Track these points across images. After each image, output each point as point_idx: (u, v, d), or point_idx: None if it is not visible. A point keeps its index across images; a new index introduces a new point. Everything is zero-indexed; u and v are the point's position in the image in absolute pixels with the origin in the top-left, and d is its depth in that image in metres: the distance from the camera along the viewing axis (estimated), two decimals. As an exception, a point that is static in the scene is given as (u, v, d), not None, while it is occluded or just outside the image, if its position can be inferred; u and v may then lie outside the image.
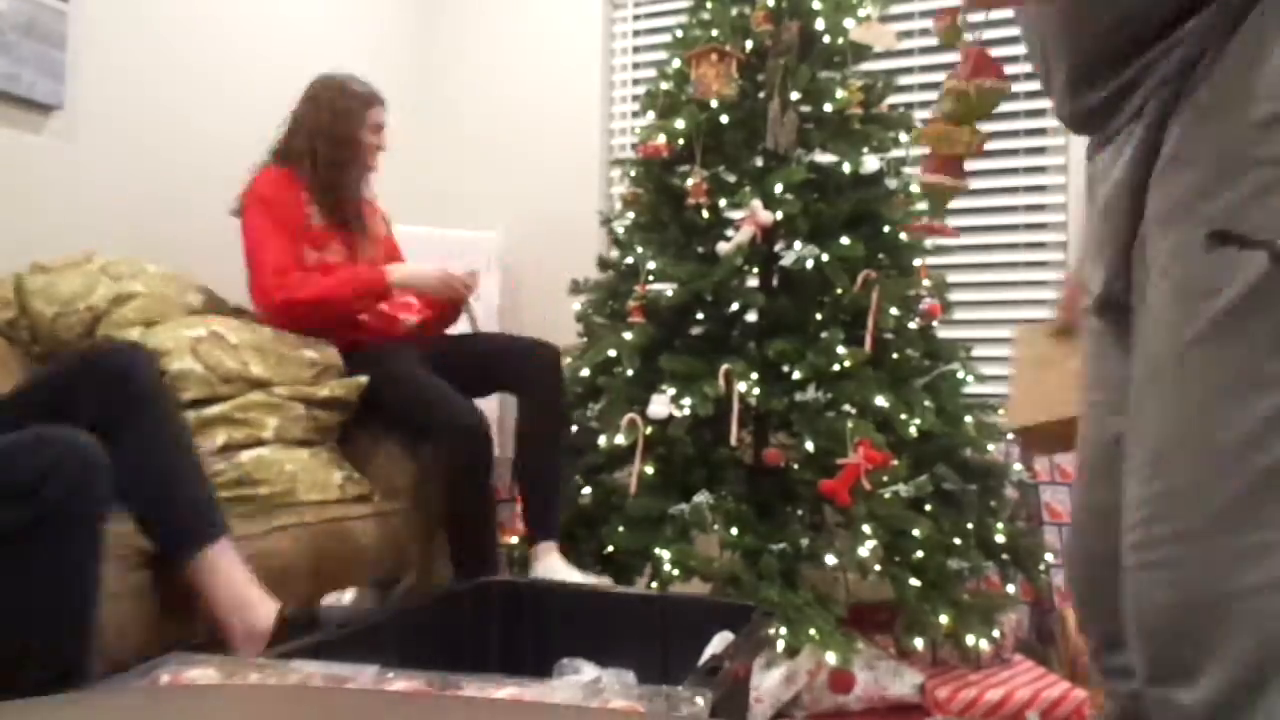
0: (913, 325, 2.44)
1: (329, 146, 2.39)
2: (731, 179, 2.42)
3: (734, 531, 2.20)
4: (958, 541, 2.27)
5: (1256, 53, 0.89)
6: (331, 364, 2.27)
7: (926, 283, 2.46)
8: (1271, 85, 0.88)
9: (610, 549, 2.31)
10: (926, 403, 2.30)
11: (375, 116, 2.49)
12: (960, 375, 2.46)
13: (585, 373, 2.48)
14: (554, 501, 2.23)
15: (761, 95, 2.46)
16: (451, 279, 2.43)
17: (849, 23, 2.46)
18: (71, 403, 1.49)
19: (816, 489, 2.19)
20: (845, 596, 2.38)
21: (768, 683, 2.09)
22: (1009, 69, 1.24)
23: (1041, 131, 2.91)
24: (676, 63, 2.54)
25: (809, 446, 2.24)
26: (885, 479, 2.18)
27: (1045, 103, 2.45)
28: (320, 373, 2.23)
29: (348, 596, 2.37)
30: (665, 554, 2.17)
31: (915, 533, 2.18)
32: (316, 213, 2.37)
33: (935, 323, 2.49)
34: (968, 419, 2.37)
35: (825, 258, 2.31)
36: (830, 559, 2.20)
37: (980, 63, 1.13)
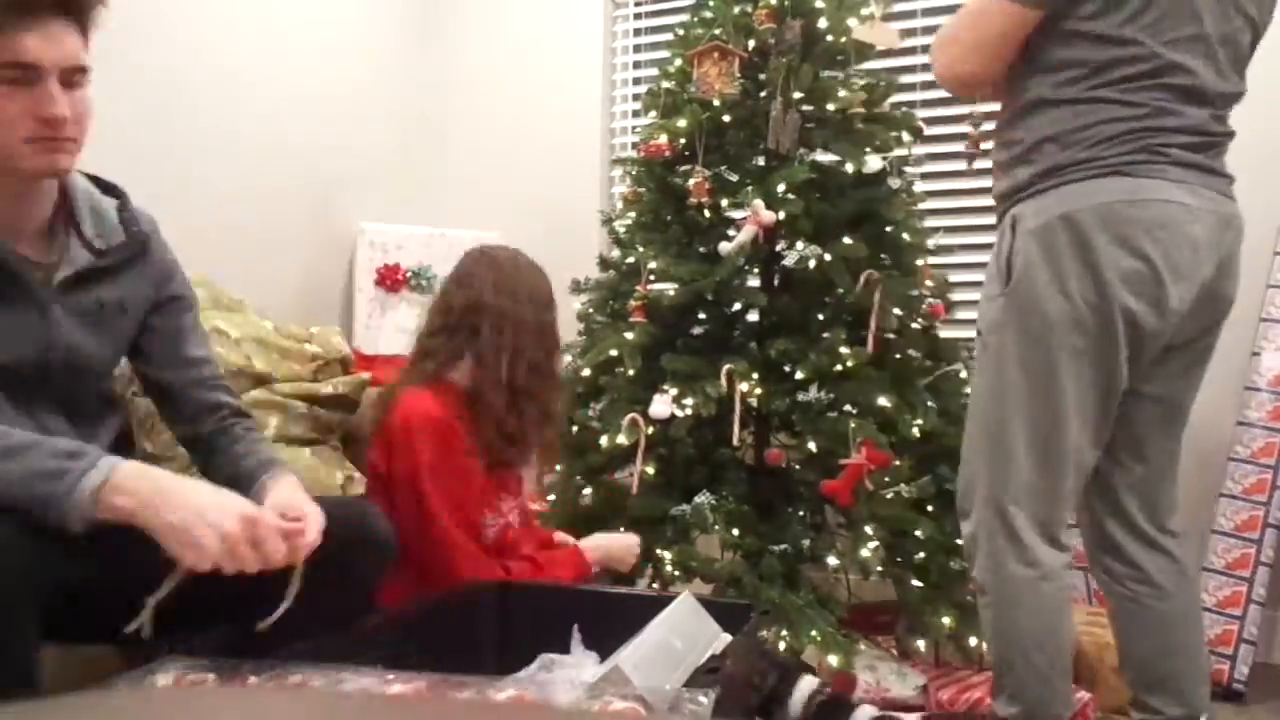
0: (915, 325, 2.43)
1: (533, 352, 1.82)
2: (733, 178, 2.41)
3: (735, 532, 2.20)
4: (960, 542, 2.26)
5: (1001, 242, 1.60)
6: (333, 357, 2.26)
7: (929, 283, 2.45)
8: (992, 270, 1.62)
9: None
10: (929, 403, 2.30)
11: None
12: (963, 375, 2.46)
13: (586, 372, 2.47)
14: None
15: (764, 94, 2.46)
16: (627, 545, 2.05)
17: (852, 22, 2.46)
18: None
19: (818, 489, 2.18)
20: (847, 597, 2.37)
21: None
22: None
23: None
24: (678, 61, 2.53)
25: (811, 447, 2.23)
26: (887, 479, 2.17)
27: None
28: (322, 367, 2.22)
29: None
30: (667, 555, 2.16)
31: (917, 533, 2.17)
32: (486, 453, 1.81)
33: (938, 323, 2.48)
34: (970, 419, 2.37)
35: (828, 257, 2.30)
36: (832, 560, 2.19)
37: None
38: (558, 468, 2.35)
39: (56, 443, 1.21)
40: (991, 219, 2.94)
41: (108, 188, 1.47)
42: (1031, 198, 1.55)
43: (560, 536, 2.09)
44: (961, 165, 2.95)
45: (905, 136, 2.48)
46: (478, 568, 1.74)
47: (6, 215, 1.32)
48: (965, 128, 2.09)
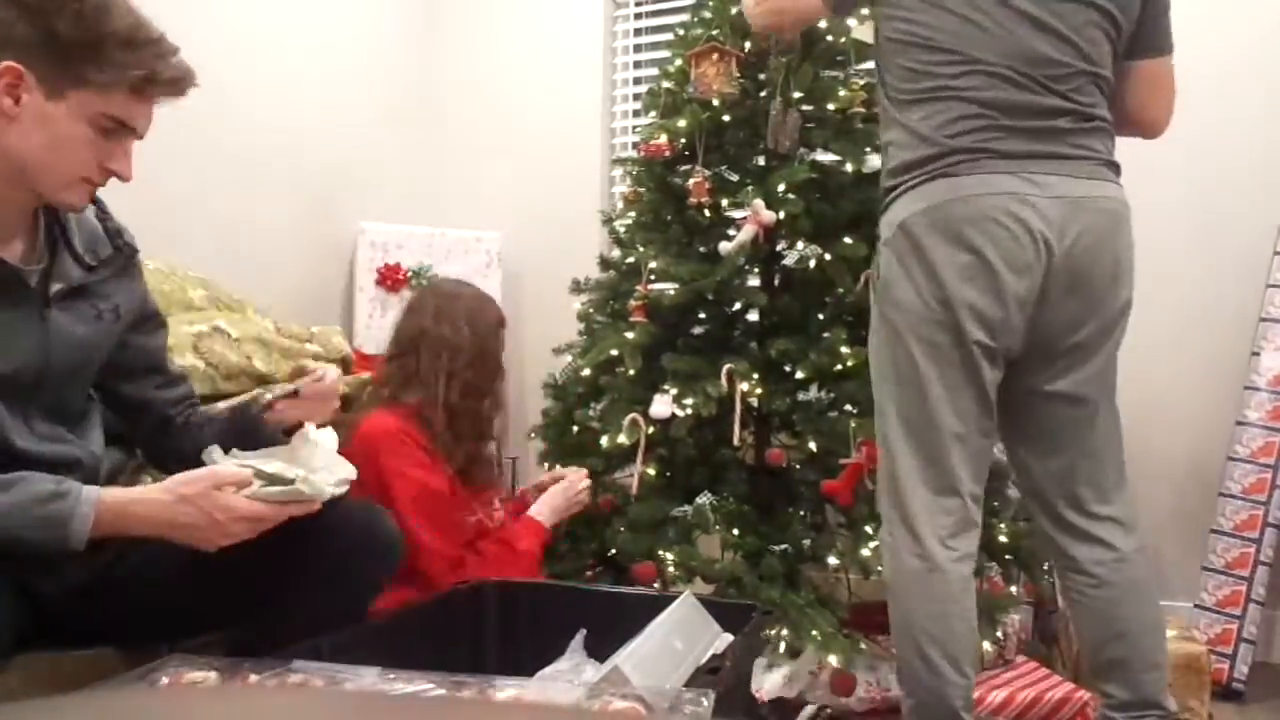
0: (915, 325, 2.43)
1: (470, 375, 2.03)
2: (733, 178, 2.41)
3: (736, 532, 2.20)
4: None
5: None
6: (334, 357, 2.26)
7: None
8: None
9: (612, 550, 2.31)
10: (929, 403, 2.29)
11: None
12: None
13: (587, 372, 2.47)
14: None
15: (763, 94, 2.46)
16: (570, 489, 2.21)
17: (851, 22, 2.45)
18: None
19: (819, 489, 2.18)
20: (847, 597, 2.37)
21: (769, 683, 2.08)
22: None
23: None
24: (678, 61, 2.53)
25: (811, 447, 2.23)
26: (888, 479, 2.17)
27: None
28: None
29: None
30: (668, 555, 2.16)
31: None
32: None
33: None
34: (970, 419, 2.37)
35: (828, 257, 2.30)
36: (832, 559, 2.19)
37: None
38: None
39: (39, 475, 1.23)
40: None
41: None
42: (885, 209, 1.64)
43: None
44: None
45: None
46: (444, 562, 1.89)
47: (9, 204, 1.32)
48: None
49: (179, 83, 1.31)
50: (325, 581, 1.39)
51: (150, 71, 1.26)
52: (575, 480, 2.22)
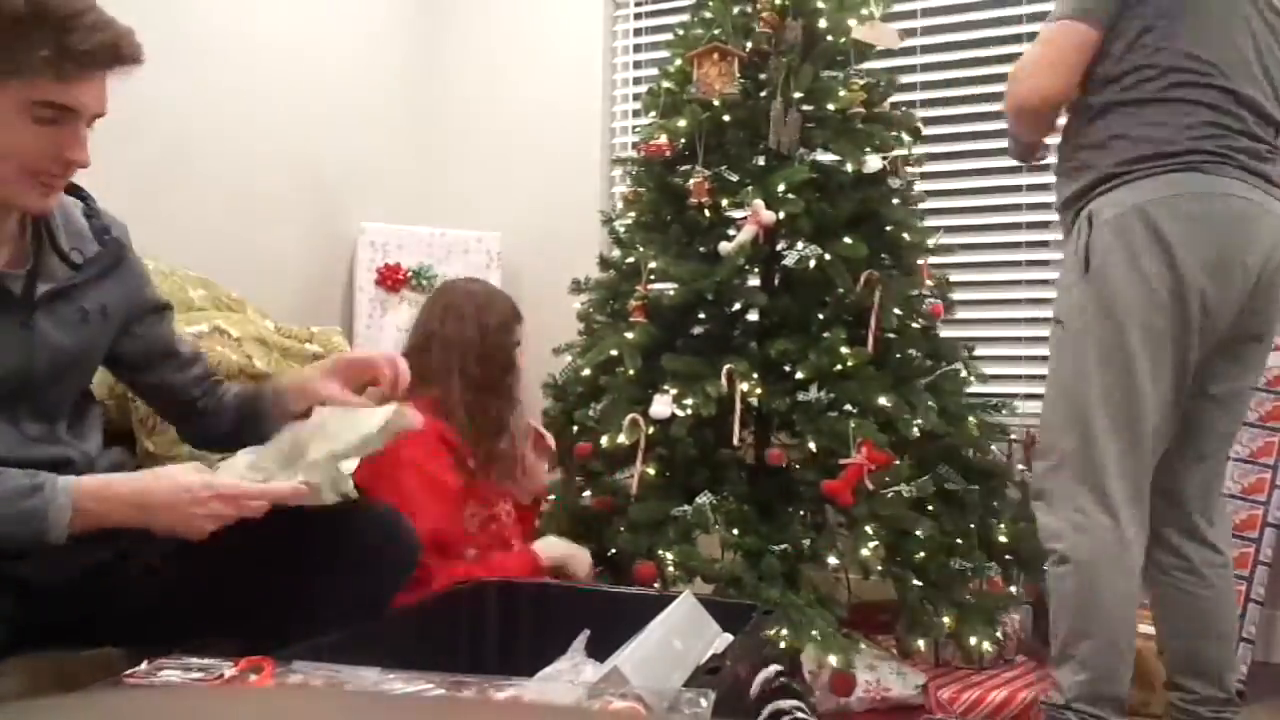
0: (915, 325, 2.43)
1: (479, 370, 2.02)
2: (733, 178, 2.41)
3: (736, 532, 2.19)
4: (960, 542, 2.27)
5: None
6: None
7: (929, 283, 2.45)
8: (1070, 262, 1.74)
9: (612, 550, 2.31)
10: (929, 403, 2.30)
11: (520, 333, 2.14)
12: (963, 375, 2.46)
13: (587, 372, 2.48)
14: None
15: (763, 94, 2.46)
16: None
17: (852, 22, 2.46)
18: None
19: (819, 489, 2.18)
20: (847, 597, 2.37)
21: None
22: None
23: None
24: (678, 61, 2.53)
25: (811, 446, 2.23)
26: (887, 479, 2.17)
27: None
28: (322, 367, 2.23)
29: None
30: (668, 555, 2.16)
31: (918, 533, 2.17)
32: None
33: (938, 323, 2.48)
34: (970, 419, 2.37)
35: (827, 257, 2.30)
36: (832, 559, 2.19)
37: None
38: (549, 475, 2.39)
39: (11, 471, 1.22)
40: (991, 219, 2.97)
41: (70, 188, 1.43)
42: (1105, 193, 1.67)
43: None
44: (962, 165, 2.98)
45: (905, 136, 2.48)
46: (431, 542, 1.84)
47: None
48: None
49: (102, 51, 1.22)
50: (340, 586, 1.39)
51: (58, 47, 1.18)
52: (588, 560, 2.16)
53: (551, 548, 2.11)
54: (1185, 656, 1.75)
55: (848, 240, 2.31)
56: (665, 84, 2.56)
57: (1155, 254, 1.61)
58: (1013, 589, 2.40)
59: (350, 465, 1.36)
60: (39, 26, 1.18)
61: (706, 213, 2.40)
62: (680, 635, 1.39)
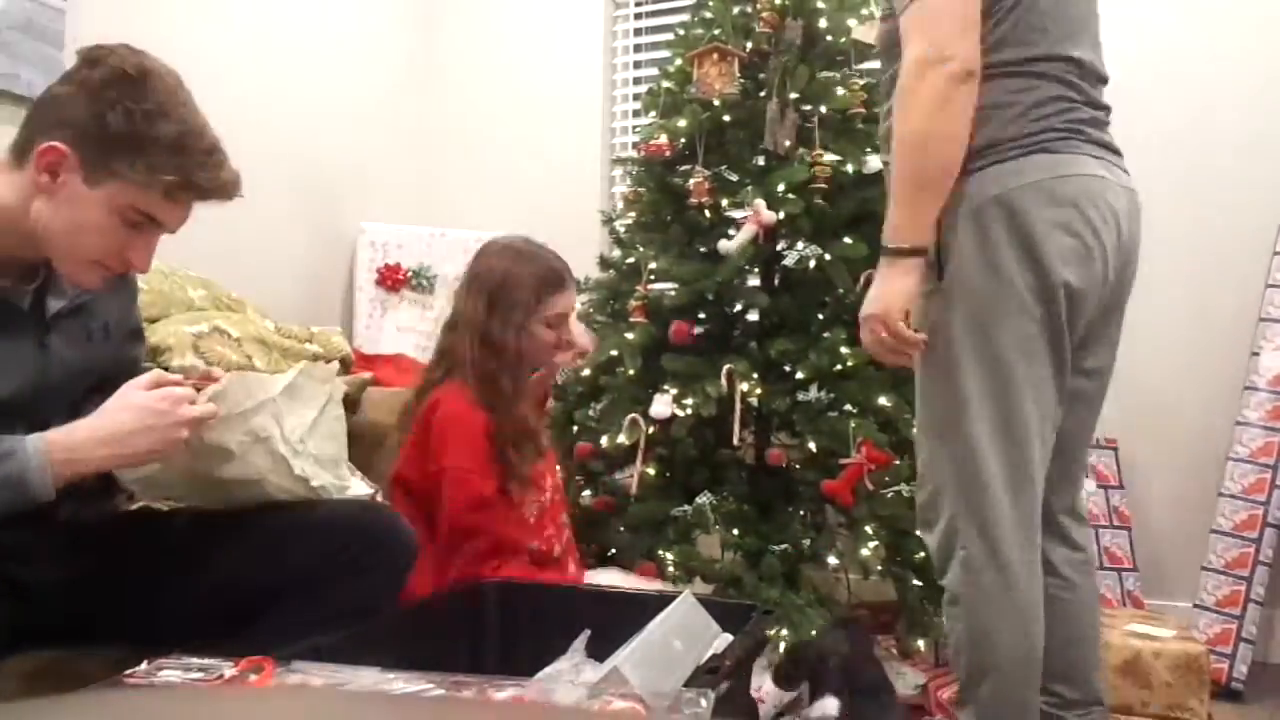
0: (915, 325, 2.43)
1: (492, 334, 1.92)
2: (733, 178, 2.41)
3: (736, 532, 2.20)
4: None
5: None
6: (334, 357, 2.26)
7: (929, 282, 2.45)
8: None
9: (612, 550, 2.31)
10: (929, 403, 2.29)
11: (558, 305, 2.00)
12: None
13: (587, 372, 2.48)
14: None
15: (763, 94, 2.46)
16: None
17: (851, 22, 2.46)
18: None
19: (819, 489, 2.18)
20: (847, 597, 2.37)
21: (769, 684, 2.08)
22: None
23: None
24: (678, 61, 2.53)
25: (811, 447, 2.24)
26: (887, 479, 2.17)
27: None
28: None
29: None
30: (668, 555, 2.16)
31: (918, 533, 2.17)
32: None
33: (937, 323, 2.48)
34: (970, 419, 2.37)
35: (828, 257, 2.30)
36: (832, 559, 2.19)
37: None
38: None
39: None
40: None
41: None
42: (963, 177, 1.45)
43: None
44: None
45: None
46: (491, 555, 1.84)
47: (12, 252, 1.32)
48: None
49: (217, 192, 1.32)
50: (340, 586, 1.39)
51: (187, 179, 1.27)
52: None
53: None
54: (1051, 660, 1.56)
55: (848, 240, 2.31)
56: (665, 84, 2.56)
57: (1016, 250, 1.42)
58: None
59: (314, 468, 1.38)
60: (179, 154, 1.26)
61: (706, 213, 2.41)
62: (680, 635, 1.39)
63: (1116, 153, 1.53)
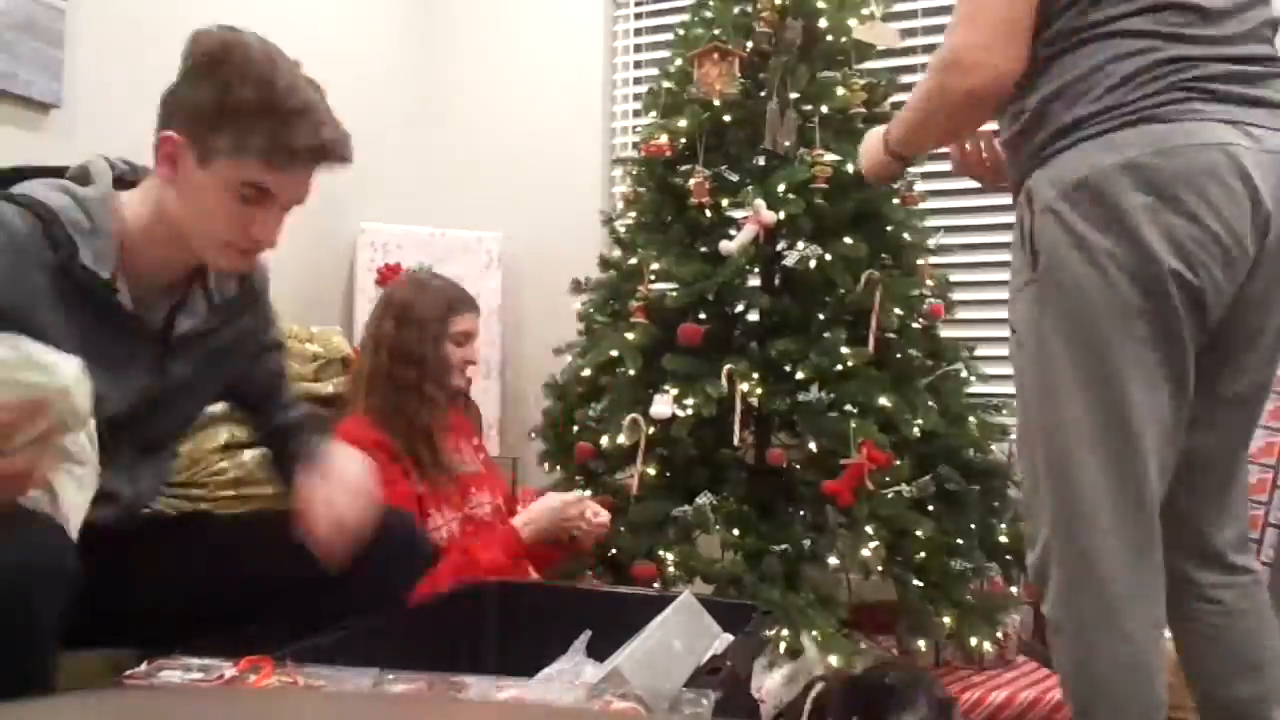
0: (916, 325, 2.43)
1: (393, 369, 2.02)
2: (734, 178, 2.41)
3: (736, 532, 2.19)
4: (961, 542, 2.26)
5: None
6: (335, 357, 2.26)
7: (929, 283, 2.45)
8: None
9: (612, 550, 2.31)
10: (930, 403, 2.29)
11: (462, 324, 2.11)
12: (963, 375, 2.46)
13: (587, 372, 2.47)
14: None
15: (763, 94, 2.46)
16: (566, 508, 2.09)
17: (852, 22, 2.46)
18: None
19: (819, 489, 2.18)
20: (847, 597, 2.37)
21: (770, 683, 2.08)
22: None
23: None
24: (678, 61, 2.53)
25: (812, 447, 2.23)
26: (888, 479, 2.17)
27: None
28: (323, 367, 2.23)
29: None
30: (668, 555, 2.16)
31: (918, 533, 2.17)
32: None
33: (938, 323, 2.48)
34: (971, 419, 2.37)
35: (828, 257, 2.30)
36: (833, 560, 2.19)
37: None
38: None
39: None
40: (992, 219, 2.96)
41: None
42: (1044, 165, 1.32)
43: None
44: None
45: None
46: None
47: (160, 277, 1.35)
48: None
49: (312, 151, 1.31)
50: (351, 587, 1.40)
51: (276, 141, 1.27)
52: (571, 503, 2.11)
53: (524, 518, 2.04)
54: (1221, 705, 1.41)
55: (848, 240, 2.31)
56: (665, 84, 2.56)
57: (1114, 239, 1.24)
58: (1013, 589, 2.40)
59: None
60: (264, 117, 1.27)
61: (707, 213, 2.40)
62: (680, 636, 1.39)
63: (1276, 107, 1.27)
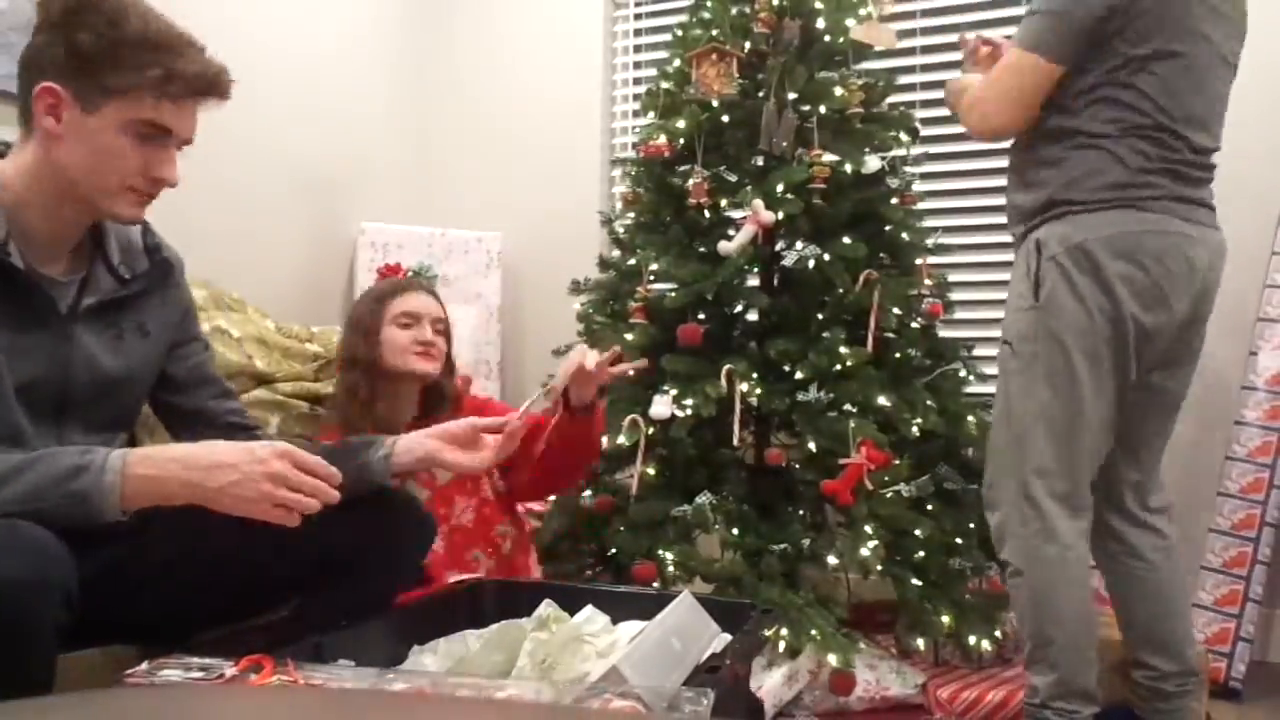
0: (914, 325, 2.44)
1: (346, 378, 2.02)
2: (732, 179, 2.42)
3: (735, 531, 2.20)
4: (959, 541, 2.27)
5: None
6: (335, 357, 2.26)
7: (928, 282, 2.45)
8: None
9: (612, 550, 2.31)
10: (928, 402, 2.30)
11: (400, 305, 2.05)
12: (962, 374, 2.46)
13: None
14: None
15: (762, 95, 2.46)
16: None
17: (850, 22, 2.46)
18: None
19: (818, 489, 2.19)
20: (847, 596, 2.38)
21: (769, 683, 2.09)
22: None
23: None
24: (677, 62, 2.54)
25: (811, 446, 2.24)
26: (887, 479, 2.17)
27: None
28: (323, 367, 2.23)
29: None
30: (668, 555, 2.17)
31: (917, 532, 2.17)
32: None
33: (937, 322, 2.48)
34: (969, 418, 2.37)
35: (827, 257, 2.30)
36: (832, 559, 2.19)
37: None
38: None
39: (64, 450, 1.21)
40: (990, 219, 2.97)
41: None
42: (1049, 222, 1.79)
43: None
44: (961, 165, 2.98)
45: (903, 136, 2.48)
46: None
47: (52, 236, 1.34)
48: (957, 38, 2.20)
49: (201, 79, 1.30)
50: (367, 563, 1.42)
51: (166, 70, 1.26)
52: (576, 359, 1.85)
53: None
54: (1145, 635, 1.88)
55: (847, 240, 2.31)
56: (664, 84, 2.56)
57: (1096, 289, 1.73)
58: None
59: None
60: (153, 50, 1.26)
61: (706, 213, 2.41)
62: (679, 635, 1.39)
63: (1210, 208, 1.81)
